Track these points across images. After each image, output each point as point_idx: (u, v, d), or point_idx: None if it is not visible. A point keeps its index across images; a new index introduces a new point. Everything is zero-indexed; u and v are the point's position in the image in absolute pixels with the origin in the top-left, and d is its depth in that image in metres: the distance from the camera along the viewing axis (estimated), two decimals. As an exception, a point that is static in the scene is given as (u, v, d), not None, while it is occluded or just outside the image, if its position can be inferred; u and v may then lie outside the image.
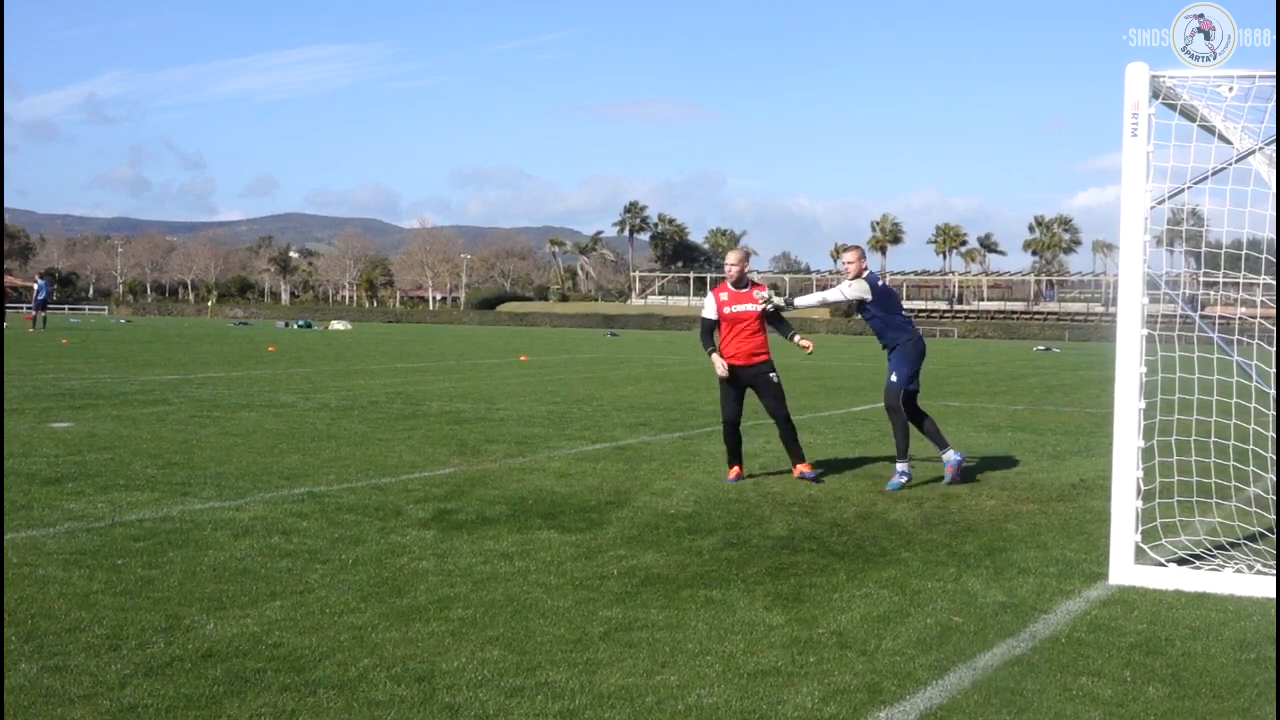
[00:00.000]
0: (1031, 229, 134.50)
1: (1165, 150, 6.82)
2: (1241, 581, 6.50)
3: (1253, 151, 7.26)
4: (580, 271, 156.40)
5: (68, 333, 45.65)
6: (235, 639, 5.25)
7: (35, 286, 49.09)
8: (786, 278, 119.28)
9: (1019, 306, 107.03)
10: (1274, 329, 7.21)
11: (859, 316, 10.90)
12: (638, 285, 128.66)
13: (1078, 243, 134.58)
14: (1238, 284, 7.61)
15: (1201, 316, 7.31)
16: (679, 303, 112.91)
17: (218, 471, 10.07)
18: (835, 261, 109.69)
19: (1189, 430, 7.40)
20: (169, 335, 48.80)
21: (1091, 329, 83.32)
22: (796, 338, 10.61)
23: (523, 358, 33.77)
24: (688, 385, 22.50)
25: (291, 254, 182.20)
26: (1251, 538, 7.55)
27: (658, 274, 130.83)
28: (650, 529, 7.96)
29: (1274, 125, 6.81)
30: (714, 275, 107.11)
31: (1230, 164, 7.22)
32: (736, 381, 10.31)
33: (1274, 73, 6.55)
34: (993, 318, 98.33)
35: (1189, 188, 7.12)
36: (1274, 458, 6.87)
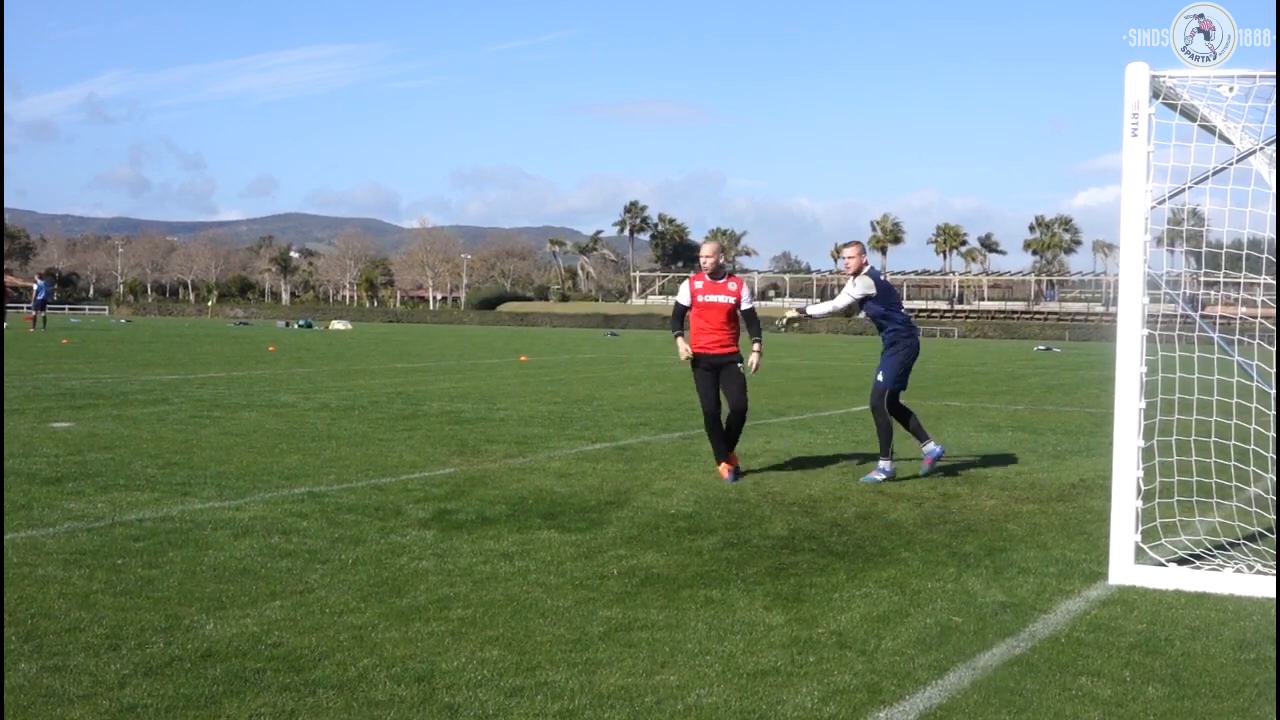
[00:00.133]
0: (1032, 229, 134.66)
1: (1165, 150, 6.82)
2: (1241, 581, 6.50)
3: (1253, 151, 7.26)
4: (580, 271, 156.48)
5: (68, 333, 45.67)
6: (235, 639, 5.25)
7: (35, 286, 49.11)
8: (787, 278, 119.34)
9: (1019, 306, 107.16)
10: (1274, 329, 7.21)
11: (861, 316, 10.93)
12: (638, 285, 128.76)
13: (1078, 243, 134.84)
14: (1238, 284, 7.61)
15: (1202, 316, 7.30)
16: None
17: (218, 471, 10.07)
18: (835, 261, 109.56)
19: (1189, 430, 7.40)
20: (169, 335, 48.81)
21: (1092, 329, 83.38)
22: (755, 351, 10.65)
23: (523, 358, 33.77)
24: (688, 385, 22.36)
25: (292, 254, 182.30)
26: (1251, 538, 7.54)
27: (658, 274, 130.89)
28: (650, 529, 7.96)
29: (1274, 125, 6.80)
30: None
31: (1230, 164, 7.22)
32: (711, 370, 10.37)
33: (1274, 73, 6.55)
34: (993, 317, 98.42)
35: (1189, 188, 7.12)
36: (1274, 458, 6.87)
